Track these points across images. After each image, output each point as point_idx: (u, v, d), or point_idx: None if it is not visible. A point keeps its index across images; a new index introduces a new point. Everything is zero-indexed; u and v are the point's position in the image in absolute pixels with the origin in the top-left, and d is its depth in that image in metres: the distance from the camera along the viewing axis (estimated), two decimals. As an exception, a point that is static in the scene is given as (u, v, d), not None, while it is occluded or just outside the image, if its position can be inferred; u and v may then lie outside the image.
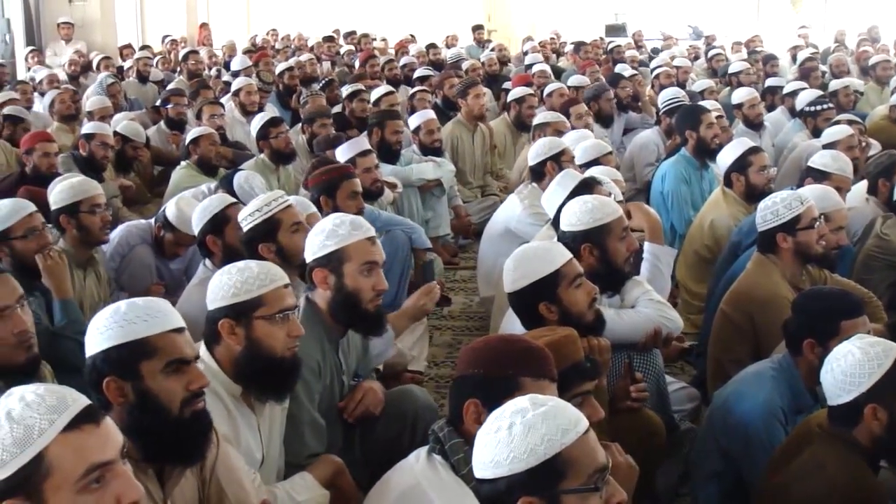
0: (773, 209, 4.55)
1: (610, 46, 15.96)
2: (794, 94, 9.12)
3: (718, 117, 7.45)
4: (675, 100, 8.41)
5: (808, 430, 3.24)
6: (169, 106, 9.26)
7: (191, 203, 5.33)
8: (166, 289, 5.29)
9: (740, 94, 8.87)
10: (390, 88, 9.84)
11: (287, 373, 3.23)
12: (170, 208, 5.41)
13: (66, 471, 2.00)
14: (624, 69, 11.41)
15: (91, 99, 9.56)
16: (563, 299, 3.62)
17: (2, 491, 2.00)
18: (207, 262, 4.72)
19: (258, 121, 7.71)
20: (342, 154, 6.45)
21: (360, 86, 9.73)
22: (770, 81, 11.02)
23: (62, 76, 12.25)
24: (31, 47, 14.93)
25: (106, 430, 2.08)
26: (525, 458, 2.13)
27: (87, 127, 7.56)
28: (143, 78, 12.82)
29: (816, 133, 7.79)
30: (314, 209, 5.02)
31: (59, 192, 4.95)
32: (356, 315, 3.70)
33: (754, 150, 5.99)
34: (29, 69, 13.42)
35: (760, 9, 24.44)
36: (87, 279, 4.95)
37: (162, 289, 5.28)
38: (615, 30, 22.93)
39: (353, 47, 16.23)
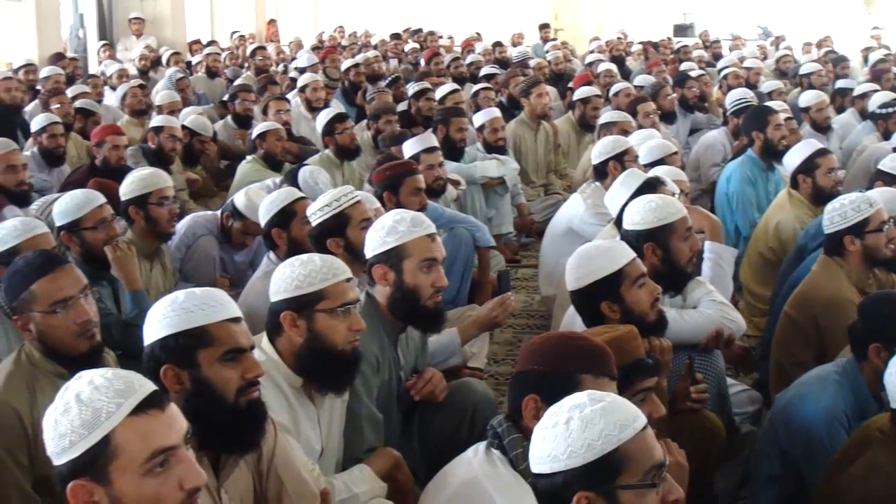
0: (840, 211, 4.49)
1: (677, 46, 15.82)
2: (864, 95, 8.96)
3: (787, 119, 7.36)
4: (743, 100, 8.32)
5: (868, 433, 3.19)
6: (236, 101, 9.37)
7: (260, 193, 5.41)
8: (230, 281, 5.35)
9: (808, 98, 8.73)
10: (455, 86, 9.85)
11: (347, 366, 3.25)
12: (238, 198, 5.49)
13: (131, 454, 2.04)
14: (690, 69, 11.31)
15: (160, 93, 9.69)
16: (626, 298, 3.59)
17: (70, 471, 2.05)
18: (272, 254, 4.76)
19: (324, 116, 7.77)
20: (408, 149, 6.48)
21: (426, 84, 9.75)
22: (840, 83, 10.84)
23: (132, 71, 12.43)
24: (103, 42, 15.15)
25: (171, 415, 2.12)
26: (582, 452, 2.13)
27: (156, 120, 7.68)
28: (211, 73, 12.98)
29: (887, 135, 7.68)
30: (378, 204, 5.05)
31: (128, 184, 5.03)
32: (415, 312, 3.71)
33: (822, 152, 5.91)
34: (100, 63, 13.63)
35: (832, 9, 24.05)
36: (154, 270, 5.02)
37: (227, 281, 5.34)
38: (683, 29, 22.76)
39: (418, 45, 16.25)
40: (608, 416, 2.15)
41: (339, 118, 7.66)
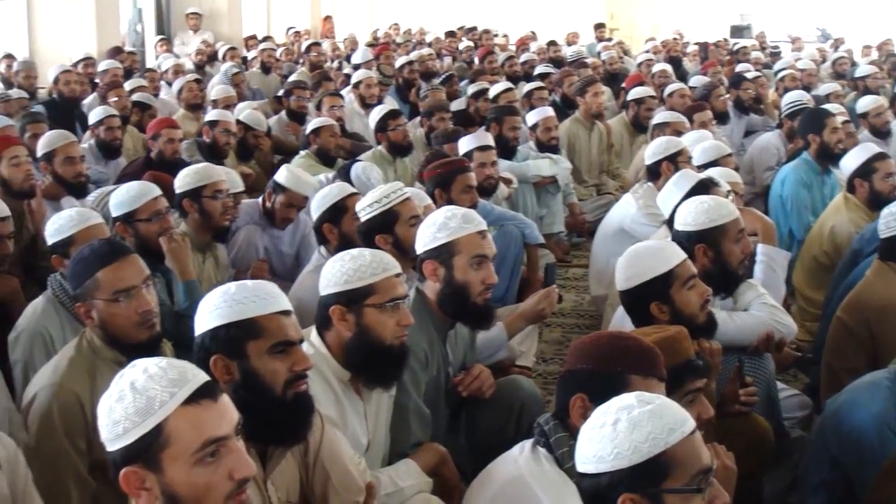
0: (897, 216, 4.44)
1: (734, 47, 15.69)
2: (925, 100, 8.85)
3: (844, 122, 7.27)
4: (799, 103, 8.23)
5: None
6: (291, 97, 9.42)
7: (300, 169, 5.52)
8: (274, 272, 5.40)
9: (866, 103, 8.62)
10: (509, 85, 9.85)
11: (395, 361, 3.25)
12: (280, 173, 5.62)
13: (183, 443, 2.06)
14: (747, 70, 11.20)
15: (216, 88, 9.77)
16: (676, 300, 3.57)
17: (123, 457, 2.08)
18: (322, 249, 4.80)
19: (377, 113, 7.80)
20: (463, 146, 6.51)
21: (485, 84, 9.75)
22: (900, 87, 10.73)
23: (189, 65, 12.55)
24: (160, 36, 15.32)
25: (223, 406, 2.14)
26: (629, 454, 2.12)
27: (211, 114, 7.75)
28: (266, 68, 13.05)
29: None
30: (429, 201, 5.06)
31: (183, 177, 5.08)
32: (464, 308, 3.71)
33: (880, 157, 5.84)
34: (158, 58, 13.77)
35: (895, 12, 23.70)
36: (207, 262, 5.06)
37: (266, 265, 5.41)
38: (740, 31, 22.56)
39: (472, 43, 16.25)
40: (656, 419, 2.14)
41: (391, 115, 7.70)
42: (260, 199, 5.77)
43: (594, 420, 2.22)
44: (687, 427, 2.17)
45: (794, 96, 8.52)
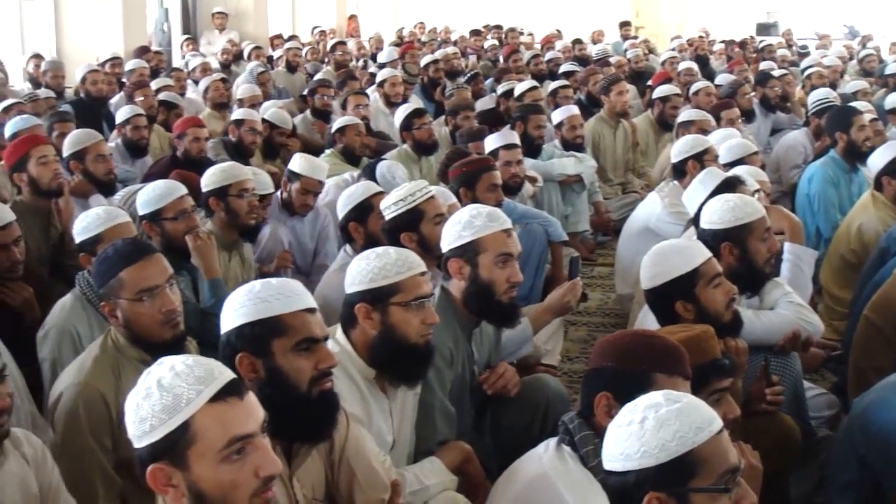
0: (924, 214, 4.41)
1: (760, 45, 15.61)
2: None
3: (871, 120, 7.22)
4: (826, 100, 8.18)
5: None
6: (316, 96, 9.44)
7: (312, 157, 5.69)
8: (298, 269, 5.43)
9: (893, 100, 8.56)
10: (534, 83, 9.84)
11: (420, 359, 3.26)
12: (293, 161, 5.78)
13: (209, 440, 2.07)
14: (772, 68, 11.14)
15: (241, 87, 9.79)
16: (700, 298, 3.55)
17: (150, 454, 2.09)
18: (348, 247, 4.81)
19: (402, 111, 7.82)
20: (489, 143, 6.53)
21: (514, 84, 9.73)
22: (929, 84, 10.63)
23: (214, 65, 12.59)
24: (186, 36, 15.40)
25: (249, 403, 2.15)
26: (656, 453, 2.12)
27: (237, 113, 7.77)
28: (291, 67, 13.07)
29: (975, 138, 7.49)
30: (454, 199, 5.06)
31: (209, 175, 5.09)
32: (490, 306, 3.71)
33: (909, 155, 5.80)
34: (184, 57, 13.83)
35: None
36: (233, 261, 5.07)
37: (289, 255, 5.46)
38: (766, 28, 22.44)
39: (497, 41, 16.24)
40: (684, 418, 2.14)
41: (417, 113, 7.71)
42: (277, 193, 5.80)
43: (622, 418, 2.22)
44: (714, 426, 2.17)
45: (821, 94, 8.47)
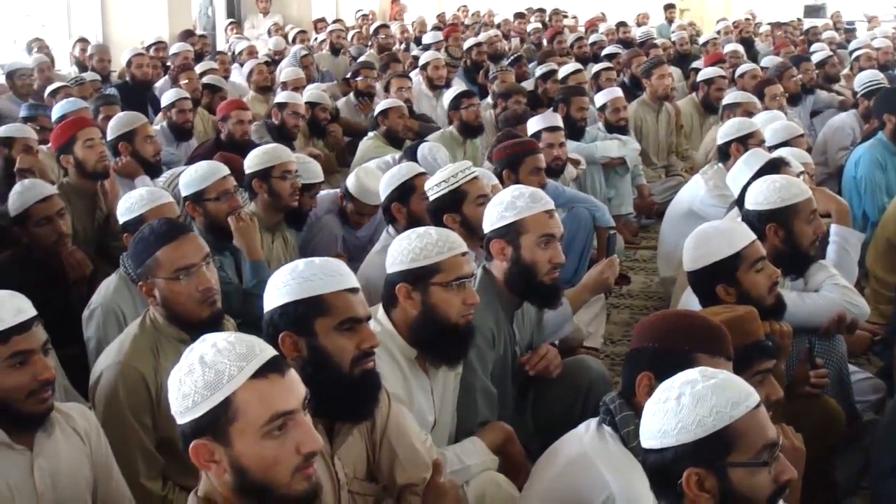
0: (972, 197, 4.35)
1: (807, 27, 15.43)
2: None
3: (921, 101, 7.12)
4: (874, 82, 8.07)
5: None
6: (359, 78, 9.46)
7: (370, 173, 5.47)
8: (350, 256, 5.42)
9: (943, 79, 8.46)
10: (578, 66, 9.79)
11: (460, 339, 3.26)
12: (350, 179, 5.56)
13: (251, 416, 2.08)
14: (819, 50, 11.01)
15: (285, 70, 9.82)
16: (742, 282, 3.52)
17: (192, 430, 2.11)
18: (391, 228, 4.81)
19: (451, 92, 7.88)
20: (532, 126, 6.50)
21: (553, 66, 9.67)
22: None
23: (264, 49, 12.59)
24: (230, 20, 15.46)
25: (290, 380, 2.16)
26: (693, 428, 2.11)
27: (281, 96, 7.80)
28: (335, 50, 13.07)
29: None
30: (497, 181, 5.05)
31: (252, 157, 5.11)
32: (532, 287, 3.71)
33: (957, 137, 5.71)
34: (228, 41, 13.89)
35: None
36: (275, 242, 5.10)
37: (345, 258, 5.41)
38: (814, 10, 22.13)
39: (540, 24, 16.16)
40: (720, 393, 2.13)
41: (466, 94, 7.78)
42: (336, 191, 5.78)
43: (658, 395, 2.21)
44: (751, 401, 2.16)
45: (869, 76, 8.35)
